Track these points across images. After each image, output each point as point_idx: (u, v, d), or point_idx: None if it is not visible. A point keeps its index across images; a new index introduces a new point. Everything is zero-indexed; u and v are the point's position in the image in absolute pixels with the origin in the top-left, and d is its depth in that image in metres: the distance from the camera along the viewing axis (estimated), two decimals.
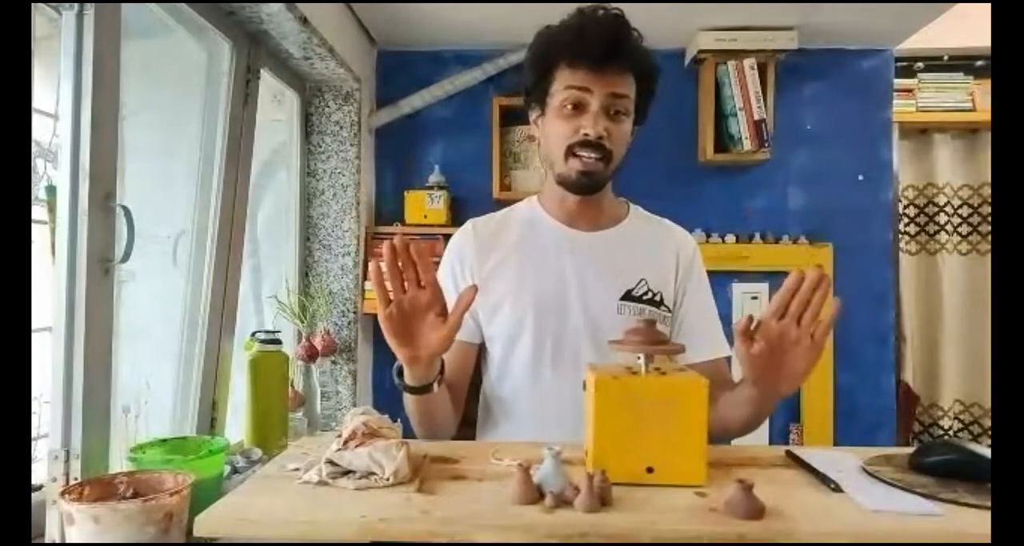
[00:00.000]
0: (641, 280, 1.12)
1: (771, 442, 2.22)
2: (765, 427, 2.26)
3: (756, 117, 2.08)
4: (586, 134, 1.03)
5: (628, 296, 1.11)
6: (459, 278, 1.16)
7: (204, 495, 0.87)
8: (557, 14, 1.09)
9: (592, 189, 1.11)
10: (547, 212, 1.18)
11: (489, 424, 1.17)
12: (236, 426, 1.53)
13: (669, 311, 1.14)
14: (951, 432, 2.68)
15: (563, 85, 1.05)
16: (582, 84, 1.03)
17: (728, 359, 1.15)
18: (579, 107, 1.05)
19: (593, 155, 1.05)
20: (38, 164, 1.04)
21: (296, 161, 2.05)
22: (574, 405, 1.05)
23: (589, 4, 1.06)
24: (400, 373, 0.99)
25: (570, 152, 1.06)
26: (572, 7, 1.08)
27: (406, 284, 0.88)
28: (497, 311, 1.13)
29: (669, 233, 1.21)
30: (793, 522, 0.67)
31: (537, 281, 1.12)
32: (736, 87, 2.09)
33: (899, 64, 2.38)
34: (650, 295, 1.13)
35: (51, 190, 1.01)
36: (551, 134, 1.09)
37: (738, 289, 2.28)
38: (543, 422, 1.09)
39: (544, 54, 1.08)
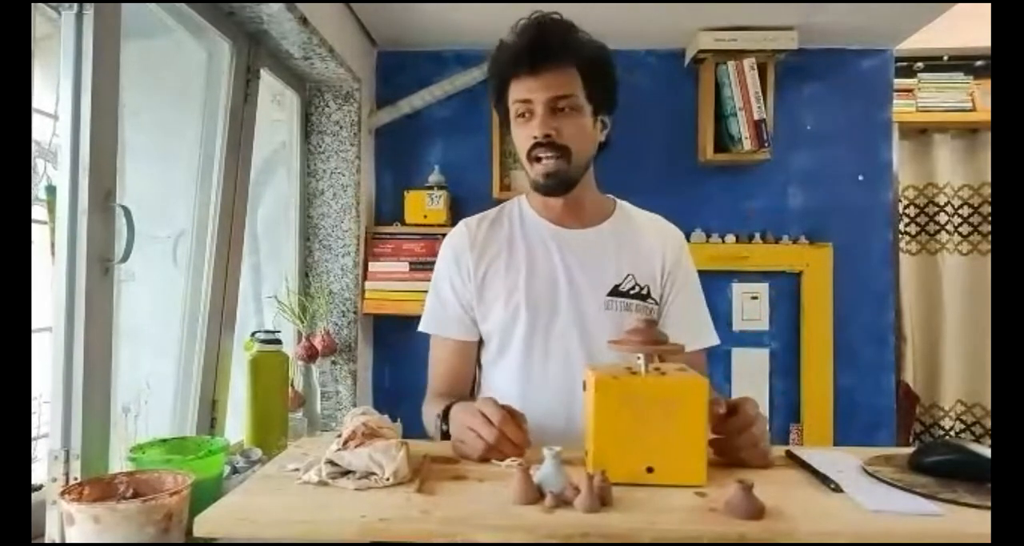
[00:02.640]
0: (628, 275, 1.16)
1: (771, 442, 2.21)
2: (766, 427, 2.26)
3: (756, 117, 2.08)
4: (534, 137, 1.08)
5: (615, 291, 1.15)
6: (455, 280, 1.19)
7: (204, 495, 0.87)
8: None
9: (561, 189, 1.13)
10: (535, 211, 1.21)
11: None
12: (236, 426, 1.52)
13: (656, 304, 1.17)
14: (953, 433, 2.68)
15: (512, 99, 1.11)
16: (524, 95, 1.09)
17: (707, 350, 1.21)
18: (528, 115, 1.10)
19: (550, 154, 1.09)
20: (38, 164, 1.04)
21: (296, 161, 2.05)
22: (566, 396, 1.10)
23: (533, 14, 1.10)
24: (445, 418, 1.03)
25: (530, 156, 1.11)
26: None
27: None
28: (492, 308, 1.16)
29: (656, 228, 1.23)
30: (793, 522, 0.67)
31: (528, 279, 1.15)
32: (736, 87, 2.09)
33: (899, 64, 2.38)
34: (636, 289, 1.16)
35: (51, 190, 1.01)
36: (516, 144, 1.15)
37: (738, 289, 2.28)
38: (534, 413, 1.11)
39: (494, 77, 1.15)
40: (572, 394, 1.07)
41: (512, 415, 0.90)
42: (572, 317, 1.13)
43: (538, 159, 1.10)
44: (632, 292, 1.15)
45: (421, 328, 1.23)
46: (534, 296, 1.14)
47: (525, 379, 1.14)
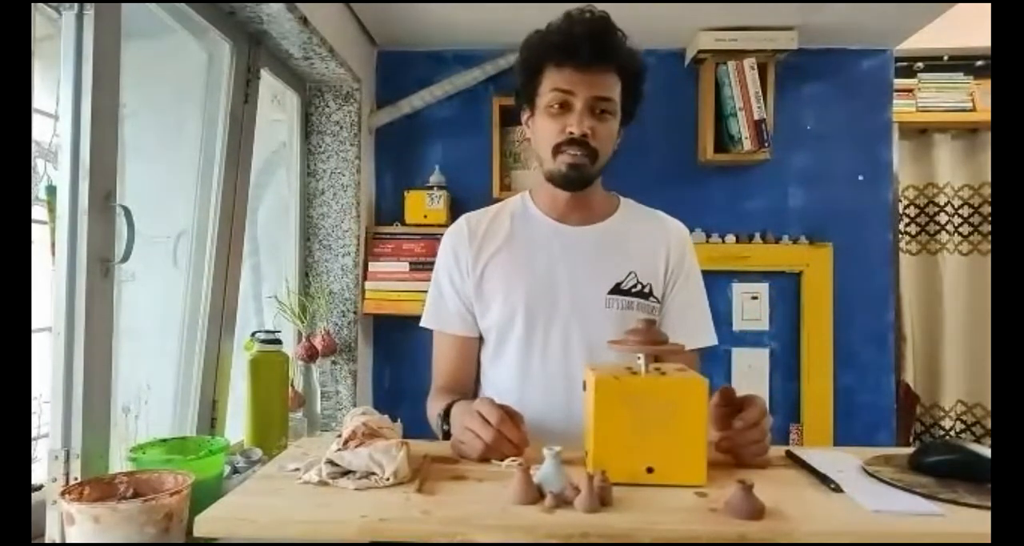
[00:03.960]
0: (630, 273, 1.15)
1: (771, 442, 2.21)
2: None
3: (756, 117, 2.07)
4: (571, 132, 1.07)
5: (616, 289, 1.14)
6: (454, 274, 1.19)
7: (204, 495, 0.87)
8: (557, 14, 1.10)
9: (580, 185, 1.13)
10: (539, 207, 1.21)
11: None
12: (236, 426, 1.52)
13: (658, 302, 1.16)
14: (953, 433, 2.68)
15: (550, 87, 1.08)
16: (567, 86, 1.06)
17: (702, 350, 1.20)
18: (565, 106, 1.08)
19: (579, 152, 1.07)
20: (38, 164, 1.03)
21: (296, 161, 2.05)
22: (565, 395, 1.10)
23: (576, 6, 1.09)
24: (446, 418, 1.03)
25: (557, 150, 1.09)
26: (569, 7, 1.09)
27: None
28: (490, 304, 1.16)
29: (660, 224, 1.23)
30: (793, 522, 0.67)
31: (528, 275, 1.14)
32: (736, 87, 2.09)
33: (899, 64, 2.38)
34: (639, 288, 1.15)
35: (51, 190, 1.01)
36: (540, 133, 1.12)
37: (738, 289, 2.27)
38: (533, 411, 1.11)
39: (533, 57, 1.11)
40: (571, 393, 1.07)
41: (510, 415, 0.90)
42: (572, 315, 1.12)
43: (564, 152, 1.08)
44: (634, 290, 1.14)
45: (423, 323, 1.22)
46: (533, 293, 1.13)
47: (524, 377, 1.14)
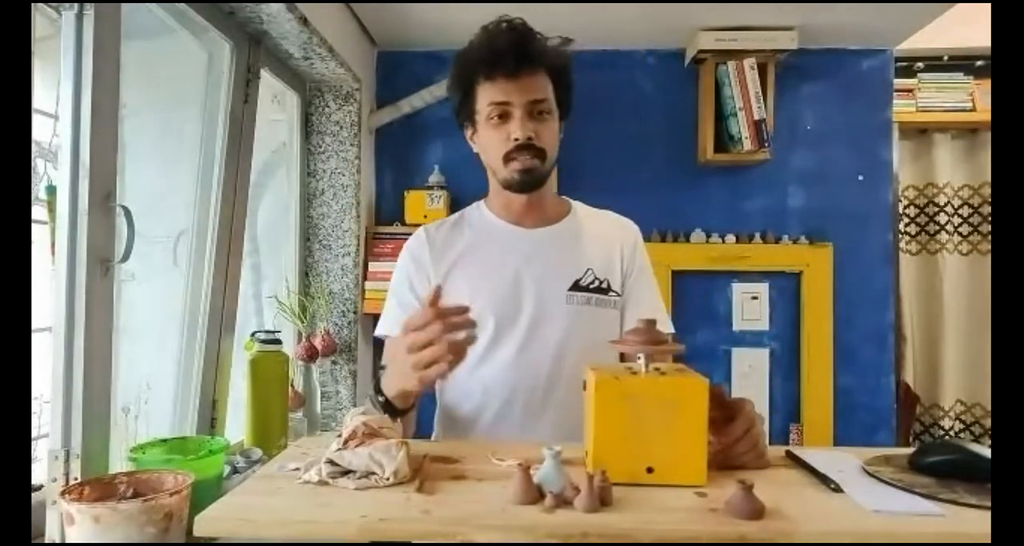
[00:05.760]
0: (588, 270, 1.18)
1: (771, 442, 2.21)
2: (765, 427, 2.26)
3: (756, 117, 2.08)
4: (516, 139, 1.10)
5: (575, 286, 1.17)
6: (415, 282, 1.21)
7: (204, 495, 0.87)
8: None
9: (535, 186, 1.17)
10: (494, 214, 1.24)
11: (445, 417, 1.21)
12: (236, 426, 1.53)
13: (618, 295, 1.20)
14: (952, 432, 2.68)
15: (487, 101, 1.12)
16: (503, 97, 1.10)
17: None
18: (505, 116, 1.11)
19: (528, 155, 1.11)
20: (38, 164, 1.04)
21: (296, 161, 2.05)
22: (528, 391, 1.12)
23: (494, 19, 1.12)
24: (385, 400, 0.98)
25: (507, 158, 1.13)
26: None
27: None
28: None
29: (613, 223, 1.27)
30: (793, 522, 0.67)
31: (491, 280, 1.17)
32: (736, 87, 2.09)
33: (899, 64, 2.38)
34: (596, 283, 1.18)
35: (51, 190, 1.02)
36: (487, 146, 1.16)
37: (738, 289, 2.28)
38: (498, 406, 1.13)
39: (462, 75, 1.15)
40: (534, 388, 1.11)
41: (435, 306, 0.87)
42: (535, 313, 1.14)
43: (515, 159, 1.12)
44: (592, 286, 1.17)
45: (377, 333, 1.21)
46: (497, 296, 1.15)
47: (488, 375, 1.14)
